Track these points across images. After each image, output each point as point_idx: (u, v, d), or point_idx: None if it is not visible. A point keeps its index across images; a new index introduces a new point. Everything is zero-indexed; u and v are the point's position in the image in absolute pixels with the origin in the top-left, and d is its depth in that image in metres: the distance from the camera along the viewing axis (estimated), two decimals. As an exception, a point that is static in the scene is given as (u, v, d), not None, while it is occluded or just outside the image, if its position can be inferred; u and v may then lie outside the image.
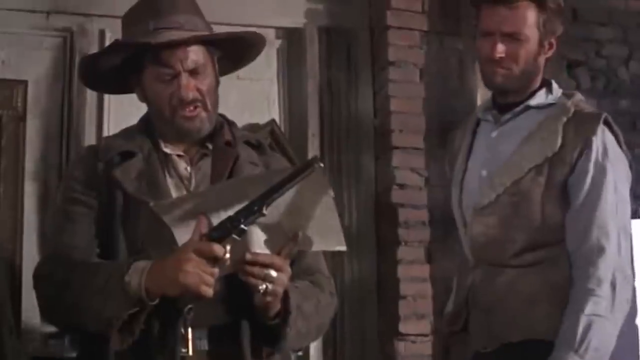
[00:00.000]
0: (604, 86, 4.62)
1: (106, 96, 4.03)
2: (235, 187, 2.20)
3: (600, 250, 2.67)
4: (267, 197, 2.07)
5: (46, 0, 4.06)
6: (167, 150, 2.44)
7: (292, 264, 2.25)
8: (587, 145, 2.74)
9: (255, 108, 4.29)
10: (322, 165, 2.08)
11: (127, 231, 2.32)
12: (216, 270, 2.09)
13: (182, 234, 2.15)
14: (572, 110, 2.80)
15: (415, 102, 4.33)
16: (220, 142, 2.49)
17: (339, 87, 4.41)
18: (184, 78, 2.38)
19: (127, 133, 2.53)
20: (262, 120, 4.27)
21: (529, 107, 2.88)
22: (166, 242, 2.18)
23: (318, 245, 2.26)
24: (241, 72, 4.05)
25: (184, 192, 2.36)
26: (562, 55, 4.50)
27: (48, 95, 4.09)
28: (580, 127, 2.76)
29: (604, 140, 2.76)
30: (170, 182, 2.40)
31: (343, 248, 2.23)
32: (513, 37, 2.79)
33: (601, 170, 2.73)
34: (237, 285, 2.21)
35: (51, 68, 4.10)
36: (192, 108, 2.39)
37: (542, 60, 2.88)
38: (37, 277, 2.34)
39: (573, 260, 2.72)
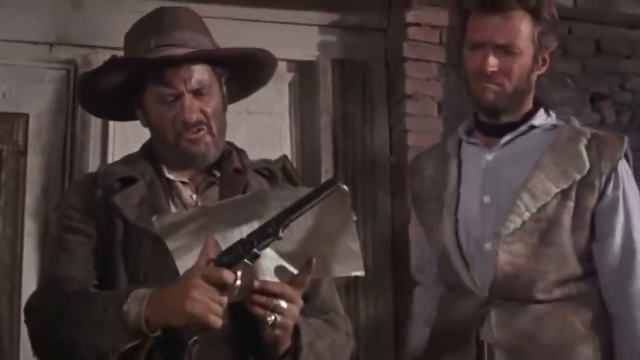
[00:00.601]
0: (629, 120, 4.47)
1: (111, 131, 3.95)
2: (246, 205, 2.04)
3: None
4: (284, 218, 1.92)
5: (50, 32, 3.99)
6: (171, 176, 2.33)
7: (305, 301, 2.10)
8: (614, 170, 2.61)
9: (266, 143, 4.19)
10: (344, 187, 1.97)
11: (127, 262, 2.19)
12: (225, 298, 1.93)
13: (185, 261, 1.99)
14: (589, 132, 2.67)
15: (433, 136, 4.17)
16: (228, 169, 2.37)
17: (353, 121, 4.30)
18: (188, 99, 2.26)
19: (127, 159, 2.42)
20: (274, 156, 4.15)
21: (532, 127, 2.71)
22: (169, 273, 2.04)
23: (335, 271, 2.12)
24: (251, 106, 4.05)
25: None
26: (586, 88, 4.41)
27: (50, 130, 3.99)
28: (604, 150, 2.62)
29: (625, 164, 2.65)
30: (174, 210, 2.26)
31: (361, 273, 2.09)
32: (506, 50, 2.60)
33: (628, 199, 2.61)
34: (243, 319, 2.06)
35: (54, 101, 4.00)
36: (195, 130, 2.26)
37: (534, 77, 2.70)
38: (29, 309, 2.21)
39: (611, 297, 2.59)
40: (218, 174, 2.35)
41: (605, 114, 4.42)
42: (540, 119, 2.72)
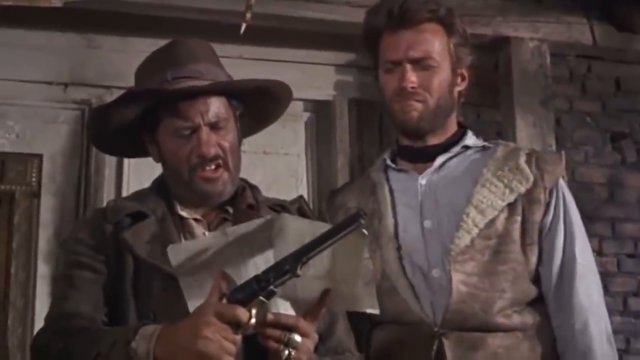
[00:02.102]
0: (650, 159, 4.40)
1: (125, 172, 3.90)
2: (262, 231, 1.94)
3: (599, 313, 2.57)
4: (302, 255, 1.82)
5: (64, 72, 3.94)
6: (184, 213, 2.28)
7: (320, 341, 2.04)
8: (556, 185, 2.59)
9: (282, 184, 4.12)
10: (364, 231, 1.89)
11: (138, 299, 2.13)
12: (239, 337, 1.84)
13: (196, 299, 1.91)
14: (526, 148, 2.70)
15: (449, 175, 4.10)
16: (241, 205, 2.32)
17: (370, 161, 4.14)
18: (205, 132, 2.21)
19: (138, 195, 2.38)
20: (290, 197, 4.03)
21: (465, 148, 2.67)
22: (180, 312, 1.95)
23: (349, 306, 2.06)
24: (267, 146, 4.00)
25: None
26: (606, 127, 4.35)
27: (64, 171, 3.93)
28: (545, 165, 2.61)
29: (563, 181, 2.65)
30: (186, 247, 2.18)
31: (376, 311, 2.00)
32: (423, 65, 2.56)
33: (571, 215, 2.60)
34: (255, 353, 1.98)
35: (68, 142, 3.94)
36: (213, 167, 2.21)
37: (456, 94, 2.65)
38: (35, 346, 2.14)
39: (564, 320, 2.53)
40: (231, 210, 2.29)
41: (625, 153, 4.36)
42: (472, 139, 2.68)
